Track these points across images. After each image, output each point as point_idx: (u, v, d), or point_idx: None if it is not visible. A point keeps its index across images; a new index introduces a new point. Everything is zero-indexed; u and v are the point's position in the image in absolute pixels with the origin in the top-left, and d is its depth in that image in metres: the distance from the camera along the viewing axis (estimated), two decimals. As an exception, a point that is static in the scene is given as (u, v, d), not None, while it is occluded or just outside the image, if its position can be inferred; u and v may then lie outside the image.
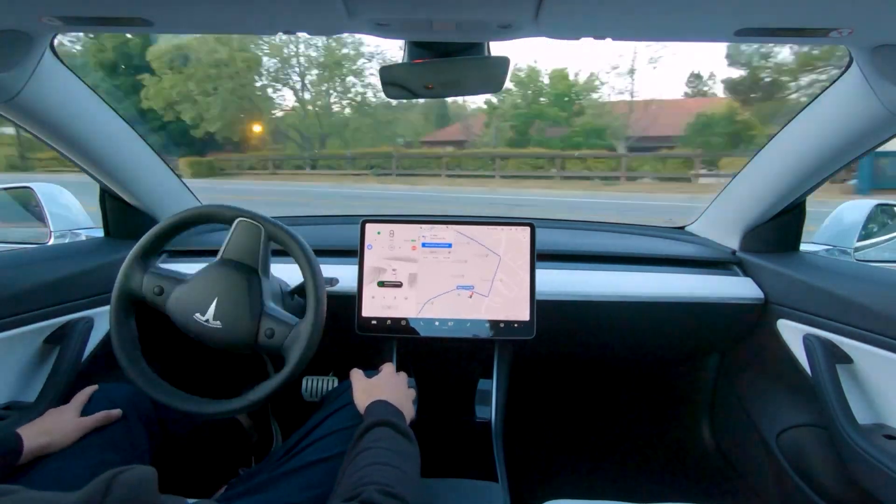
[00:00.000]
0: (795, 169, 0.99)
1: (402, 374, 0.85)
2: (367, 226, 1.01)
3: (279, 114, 17.62)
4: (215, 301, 0.82)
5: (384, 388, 0.77)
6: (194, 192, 1.30)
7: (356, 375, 0.82)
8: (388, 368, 0.85)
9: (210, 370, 1.20)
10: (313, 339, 0.80)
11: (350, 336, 0.99)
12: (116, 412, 0.78)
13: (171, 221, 0.87)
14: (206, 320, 0.80)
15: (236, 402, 0.81)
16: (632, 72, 16.06)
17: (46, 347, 0.91)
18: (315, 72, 17.08)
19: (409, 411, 0.76)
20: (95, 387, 0.82)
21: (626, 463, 1.39)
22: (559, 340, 1.21)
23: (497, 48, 0.77)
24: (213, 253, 1.15)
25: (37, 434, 0.70)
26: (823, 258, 1.19)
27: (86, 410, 0.78)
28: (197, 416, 0.82)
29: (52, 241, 1.26)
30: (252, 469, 0.80)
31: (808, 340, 0.94)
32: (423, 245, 1.01)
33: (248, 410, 0.82)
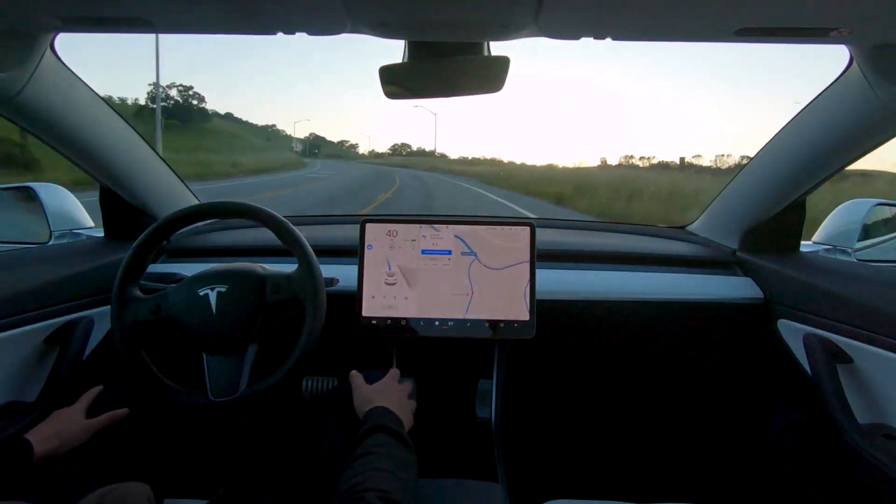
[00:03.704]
0: (795, 168, 0.99)
1: (406, 384, 0.85)
2: (368, 226, 1.01)
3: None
4: (218, 268, 0.87)
5: (385, 394, 0.77)
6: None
7: (356, 380, 0.82)
8: (392, 375, 0.85)
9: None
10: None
11: (350, 336, 0.99)
12: (122, 412, 0.79)
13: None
14: (212, 287, 0.83)
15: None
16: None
17: (46, 347, 0.91)
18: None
19: (407, 420, 0.76)
20: (100, 387, 0.83)
21: (626, 463, 1.39)
22: (559, 340, 1.20)
23: (497, 48, 0.77)
24: (214, 253, 1.16)
25: (45, 438, 0.70)
26: (823, 258, 1.19)
27: (90, 411, 0.78)
28: (240, 404, 0.83)
29: (52, 242, 1.26)
30: (252, 468, 0.80)
31: (808, 340, 0.94)
32: (423, 252, 1.01)
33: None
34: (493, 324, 0.99)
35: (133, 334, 0.84)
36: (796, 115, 0.96)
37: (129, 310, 0.84)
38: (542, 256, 1.06)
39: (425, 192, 15.31)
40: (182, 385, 0.83)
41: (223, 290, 0.83)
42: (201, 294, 0.83)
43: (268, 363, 0.86)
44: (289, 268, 0.89)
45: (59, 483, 0.67)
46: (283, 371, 0.82)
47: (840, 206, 1.33)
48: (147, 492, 0.45)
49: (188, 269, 0.91)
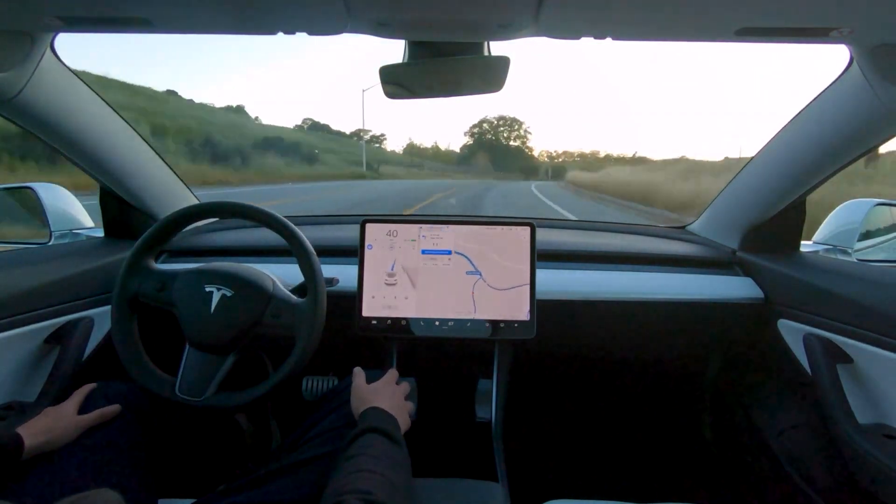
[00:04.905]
0: (795, 168, 0.99)
1: (404, 384, 0.84)
2: (368, 226, 1.01)
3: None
4: (230, 269, 0.86)
5: (382, 395, 0.77)
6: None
7: (358, 376, 0.82)
8: (390, 376, 0.84)
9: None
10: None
11: (350, 336, 0.99)
12: (114, 408, 0.78)
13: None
14: (218, 288, 0.83)
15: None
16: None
17: (46, 347, 0.91)
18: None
19: (403, 421, 0.75)
20: (94, 385, 0.83)
21: (626, 463, 1.39)
22: (559, 340, 1.20)
23: (497, 48, 0.77)
24: (214, 253, 1.16)
25: (36, 433, 0.70)
26: (823, 258, 1.19)
27: (83, 408, 0.78)
28: (200, 412, 0.82)
29: (52, 241, 1.26)
30: (250, 467, 0.80)
31: (808, 340, 0.94)
32: (423, 252, 1.01)
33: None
34: (494, 324, 0.99)
35: (132, 303, 0.85)
36: (796, 115, 0.95)
37: (136, 278, 0.85)
38: (542, 256, 1.06)
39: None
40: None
41: (228, 294, 0.83)
42: (206, 290, 0.83)
43: (243, 376, 0.86)
44: (291, 269, 0.89)
45: (47, 479, 0.67)
46: (253, 395, 0.82)
47: (840, 206, 1.33)
48: (118, 500, 0.45)
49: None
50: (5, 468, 0.67)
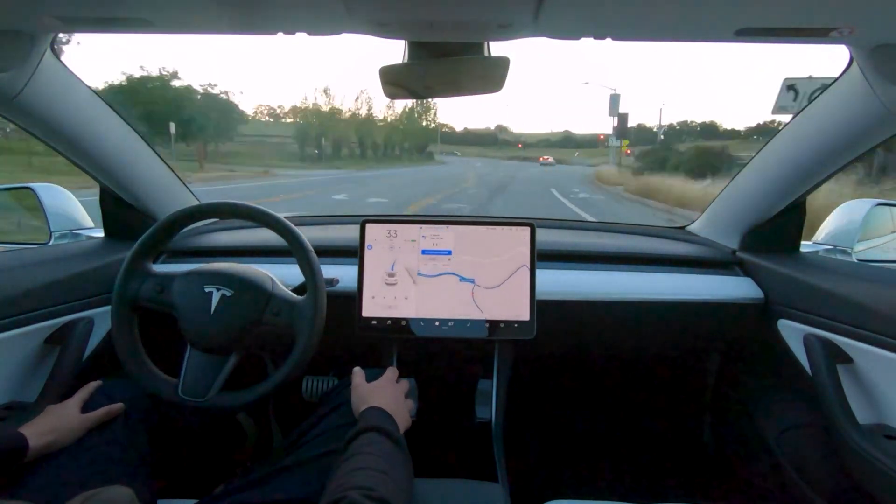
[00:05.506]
0: (795, 168, 0.99)
1: (404, 383, 0.84)
2: (368, 226, 1.01)
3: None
4: (229, 269, 0.87)
5: (381, 394, 0.77)
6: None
7: (357, 376, 0.82)
8: (389, 374, 0.84)
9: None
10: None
11: (350, 336, 0.99)
12: (118, 407, 0.78)
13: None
14: (217, 288, 0.83)
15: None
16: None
17: (47, 348, 0.92)
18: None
19: (403, 419, 0.75)
20: (98, 382, 0.83)
21: (626, 463, 1.39)
22: (559, 341, 1.20)
23: (497, 48, 0.77)
24: (214, 253, 1.16)
25: (41, 433, 0.70)
26: (823, 258, 1.19)
27: (86, 408, 0.78)
28: (203, 412, 0.82)
29: (52, 242, 1.26)
30: (250, 467, 0.80)
31: (808, 340, 0.94)
32: (424, 252, 1.01)
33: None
34: (494, 324, 0.99)
35: (132, 306, 0.84)
36: (796, 115, 0.96)
37: (135, 281, 0.85)
38: (542, 256, 1.06)
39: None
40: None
41: (228, 294, 0.83)
42: (206, 291, 0.83)
43: (243, 376, 0.86)
44: (291, 269, 0.89)
45: (52, 479, 0.67)
46: (256, 394, 0.82)
47: (840, 207, 1.33)
48: (130, 496, 0.45)
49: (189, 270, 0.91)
50: (11, 469, 0.67)
